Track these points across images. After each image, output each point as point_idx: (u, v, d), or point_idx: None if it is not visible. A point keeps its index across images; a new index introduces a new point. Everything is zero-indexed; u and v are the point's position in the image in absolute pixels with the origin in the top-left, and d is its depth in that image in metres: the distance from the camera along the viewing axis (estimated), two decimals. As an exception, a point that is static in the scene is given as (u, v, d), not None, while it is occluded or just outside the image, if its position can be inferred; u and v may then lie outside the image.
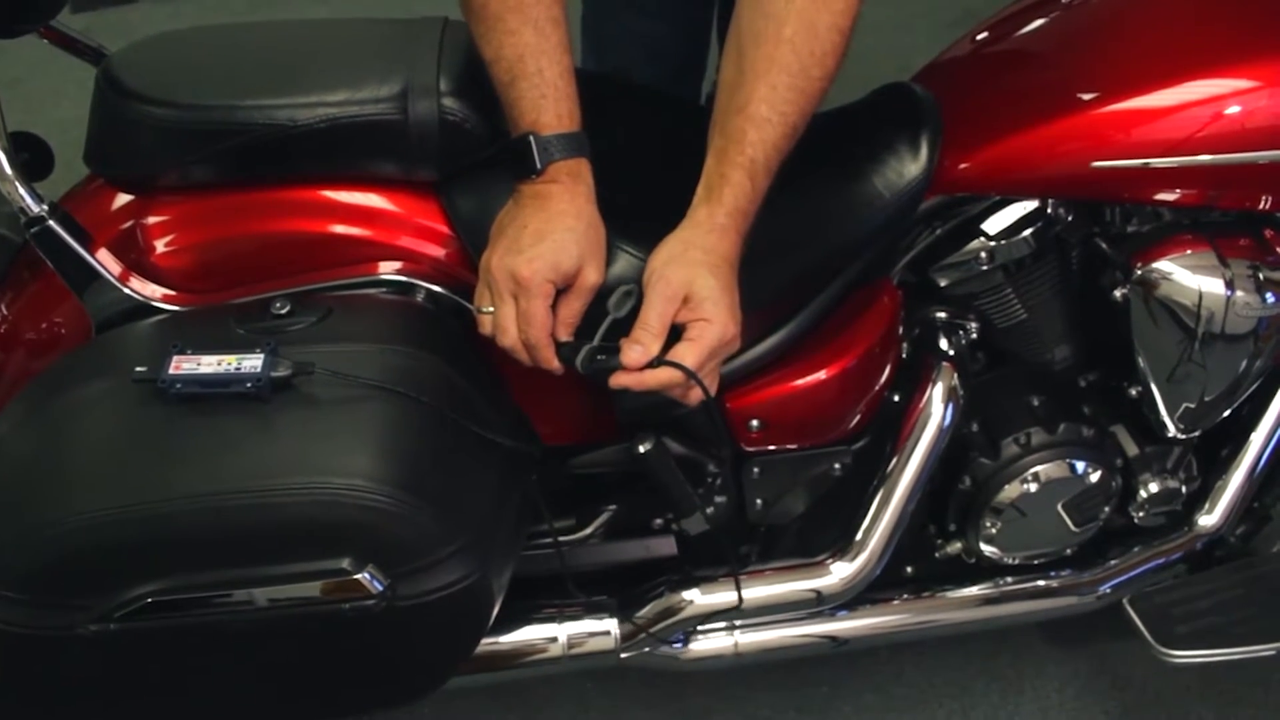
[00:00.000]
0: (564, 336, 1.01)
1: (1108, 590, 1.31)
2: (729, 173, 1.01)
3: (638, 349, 0.98)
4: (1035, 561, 1.32)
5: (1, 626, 0.96)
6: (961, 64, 1.29)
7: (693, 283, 0.98)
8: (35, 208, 1.05)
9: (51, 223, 1.06)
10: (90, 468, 0.94)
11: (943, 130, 1.16)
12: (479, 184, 1.10)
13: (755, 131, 1.01)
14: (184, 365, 0.96)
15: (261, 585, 0.96)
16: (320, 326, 1.02)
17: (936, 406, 1.23)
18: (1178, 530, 1.32)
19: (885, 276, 1.22)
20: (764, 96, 1.01)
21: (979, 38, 1.31)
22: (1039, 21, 1.28)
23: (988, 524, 1.27)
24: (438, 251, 1.12)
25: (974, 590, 1.32)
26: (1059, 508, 1.27)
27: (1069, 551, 1.32)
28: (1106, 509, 1.27)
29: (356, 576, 0.95)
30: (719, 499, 1.21)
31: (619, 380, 0.98)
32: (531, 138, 1.00)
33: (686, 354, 0.97)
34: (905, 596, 1.31)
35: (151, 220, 1.11)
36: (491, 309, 1.01)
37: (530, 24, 1.01)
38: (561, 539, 1.22)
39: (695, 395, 1.00)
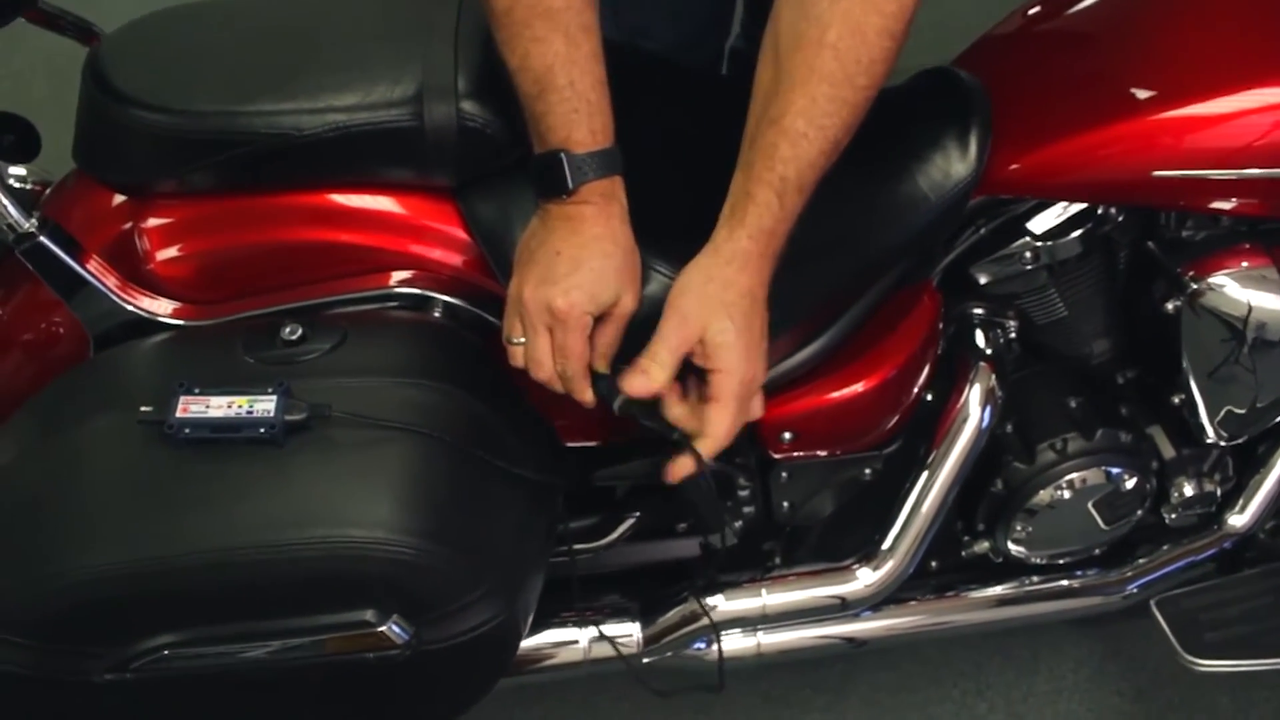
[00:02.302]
0: (600, 367, 0.92)
1: (1134, 590, 1.25)
2: (755, 191, 0.90)
3: (641, 379, 0.90)
4: (1062, 560, 1.27)
5: (10, 669, 0.89)
6: (1008, 47, 1.17)
7: (708, 326, 0.89)
8: (24, 223, 0.95)
9: (43, 239, 0.96)
10: (100, 517, 0.86)
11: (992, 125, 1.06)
12: (501, 189, 0.99)
13: (789, 147, 0.89)
14: (192, 407, 0.86)
15: (282, 637, 0.89)
16: (334, 356, 0.93)
17: (974, 409, 1.15)
18: (1207, 529, 1.26)
19: (926, 279, 1.13)
20: (801, 109, 0.89)
21: (1030, 13, 1.19)
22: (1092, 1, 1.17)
23: (1018, 527, 1.20)
24: (455, 259, 1.01)
25: (998, 590, 1.26)
26: (1090, 506, 1.21)
27: (1097, 550, 1.27)
28: (1139, 512, 1.21)
29: (381, 629, 0.88)
30: (747, 510, 1.15)
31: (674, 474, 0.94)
32: (563, 156, 0.88)
33: (717, 419, 0.91)
34: (929, 596, 1.25)
35: (148, 225, 1.00)
36: (523, 340, 0.92)
37: (560, 31, 0.88)
38: (583, 546, 1.15)
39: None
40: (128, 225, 1.01)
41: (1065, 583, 1.26)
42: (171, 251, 1.01)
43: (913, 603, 1.24)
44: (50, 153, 1.09)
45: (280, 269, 1.02)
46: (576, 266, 0.89)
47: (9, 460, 0.91)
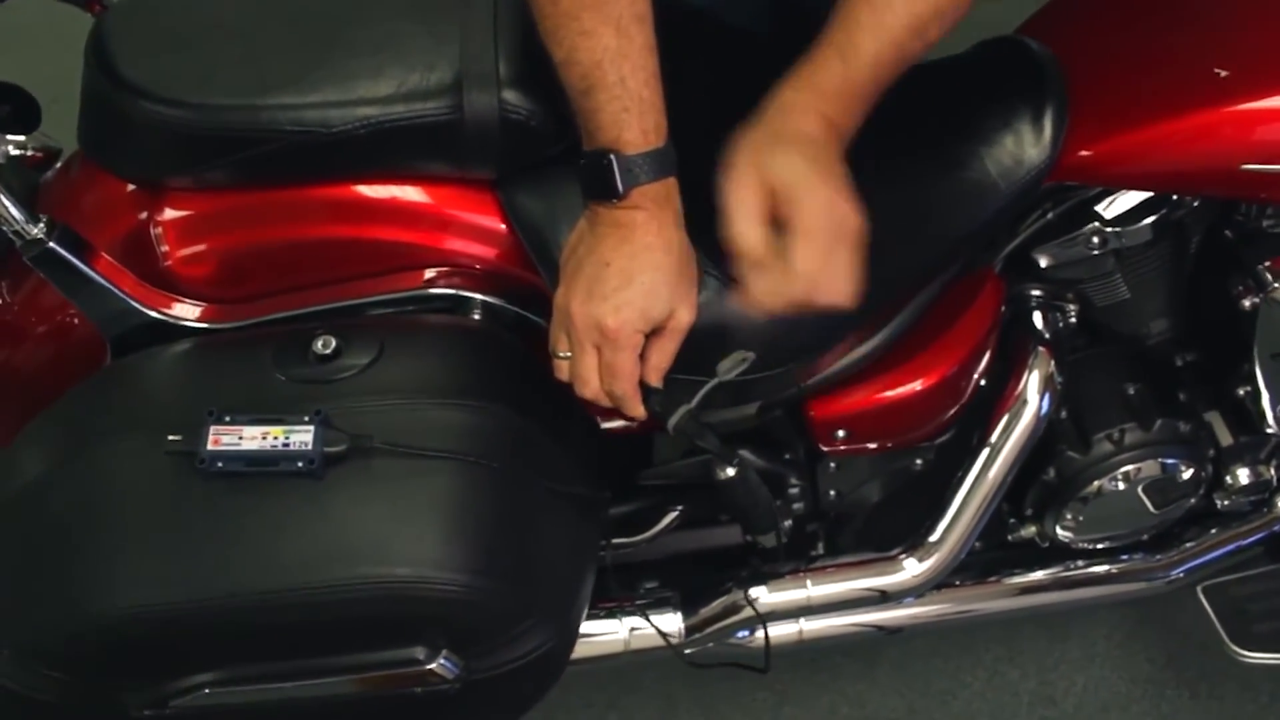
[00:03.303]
0: (655, 383, 0.84)
1: (1180, 574, 1.20)
2: (817, 52, 0.82)
3: (740, 241, 0.77)
4: (1108, 544, 1.21)
5: (45, 698, 0.84)
6: (1079, 14, 1.05)
7: (770, 165, 0.77)
8: (32, 230, 0.85)
9: (53, 244, 0.86)
10: (136, 554, 0.79)
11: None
12: (546, 182, 0.90)
13: (869, 13, 0.81)
14: (224, 439, 0.79)
15: (327, 675, 0.83)
16: (371, 373, 0.84)
17: (1032, 396, 1.07)
18: (1257, 513, 1.20)
19: (987, 265, 1.05)
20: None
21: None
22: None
23: (1069, 515, 1.14)
24: (494, 254, 0.93)
25: (1043, 574, 1.20)
26: (1140, 492, 1.15)
27: (1144, 535, 1.22)
28: (1192, 500, 1.16)
29: (431, 666, 0.83)
30: (796, 507, 1.08)
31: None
32: (613, 158, 0.78)
33: (805, 254, 0.76)
34: (971, 581, 1.20)
35: (164, 218, 0.91)
36: (569, 355, 0.85)
37: (611, 23, 0.78)
38: (623, 540, 1.09)
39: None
40: (141, 217, 0.91)
41: (1110, 567, 1.20)
42: (189, 248, 0.92)
43: (956, 588, 1.19)
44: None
45: (306, 267, 0.93)
46: (627, 281, 0.80)
47: (34, 478, 0.83)
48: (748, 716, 1.35)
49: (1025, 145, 0.95)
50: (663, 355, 0.84)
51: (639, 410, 0.85)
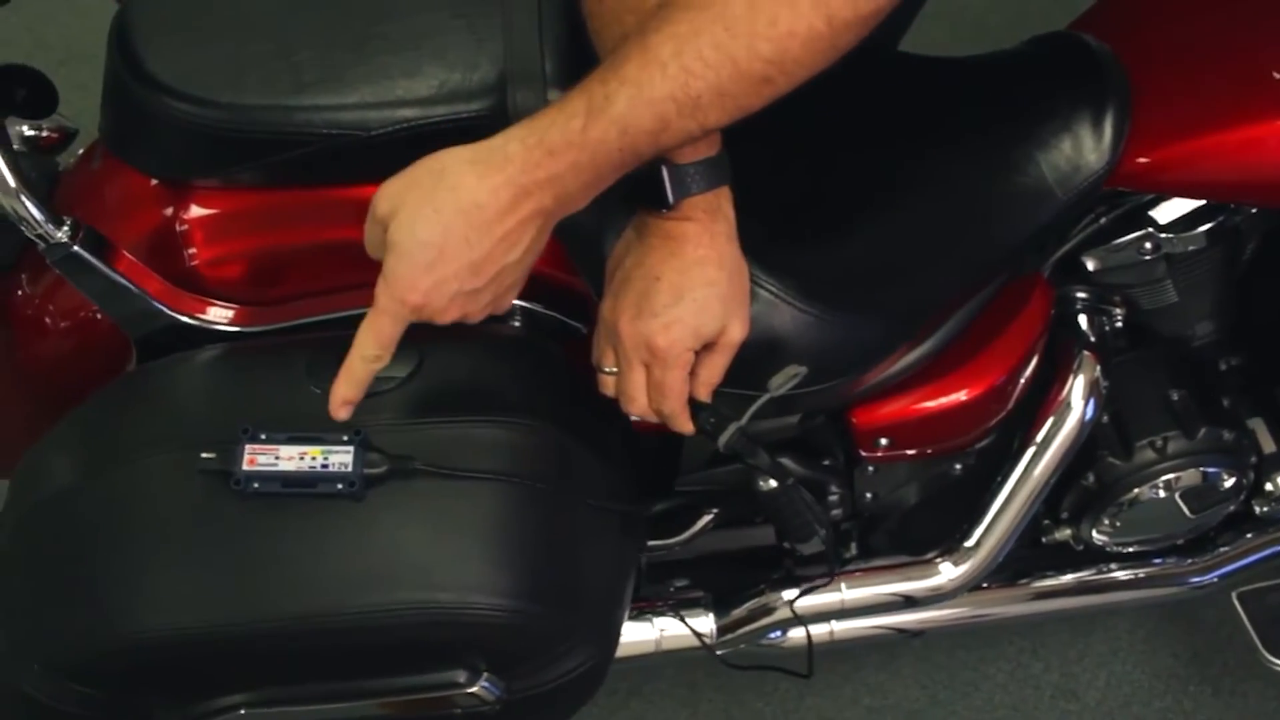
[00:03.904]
0: (704, 398, 0.79)
1: (1214, 579, 1.17)
2: (571, 93, 0.69)
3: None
4: (1142, 548, 1.18)
5: (74, 711, 0.81)
6: (1137, 8, 1.00)
7: (386, 205, 0.69)
8: (56, 233, 0.80)
9: (77, 248, 0.82)
10: (170, 575, 0.75)
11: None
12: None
13: (637, 68, 0.67)
14: (259, 459, 0.75)
15: (365, 697, 0.80)
16: (411, 388, 0.80)
17: (1076, 402, 1.03)
18: (1295, 518, 1.18)
19: (1036, 271, 1.00)
20: (679, 35, 0.67)
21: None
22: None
23: (1106, 520, 1.11)
24: (533, 257, 0.89)
25: (1074, 577, 1.18)
26: (1178, 498, 1.12)
27: (1179, 540, 1.19)
28: (1231, 507, 1.13)
29: (473, 690, 0.80)
30: (835, 513, 1.05)
31: None
32: (663, 168, 0.73)
33: (366, 325, 0.72)
34: (1003, 583, 1.17)
35: (191, 217, 0.86)
36: (615, 370, 0.81)
37: None
38: (657, 543, 1.06)
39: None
40: (166, 214, 0.87)
41: (1143, 571, 1.18)
42: (216, 248, 0.87)
43: (984, 590, 1.16)
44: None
45: (338, 270, 0.87)
46: (678, 297, 0.75)
47: (65, 488, 0.80)
48: (770, 705, 1.34)
49: (1084, 150, 0.91)
50: (713, 371, 0.80)
51: (688, 428, 0.81)
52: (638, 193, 0.76)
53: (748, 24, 0.68)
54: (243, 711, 0.79)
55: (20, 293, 0.93)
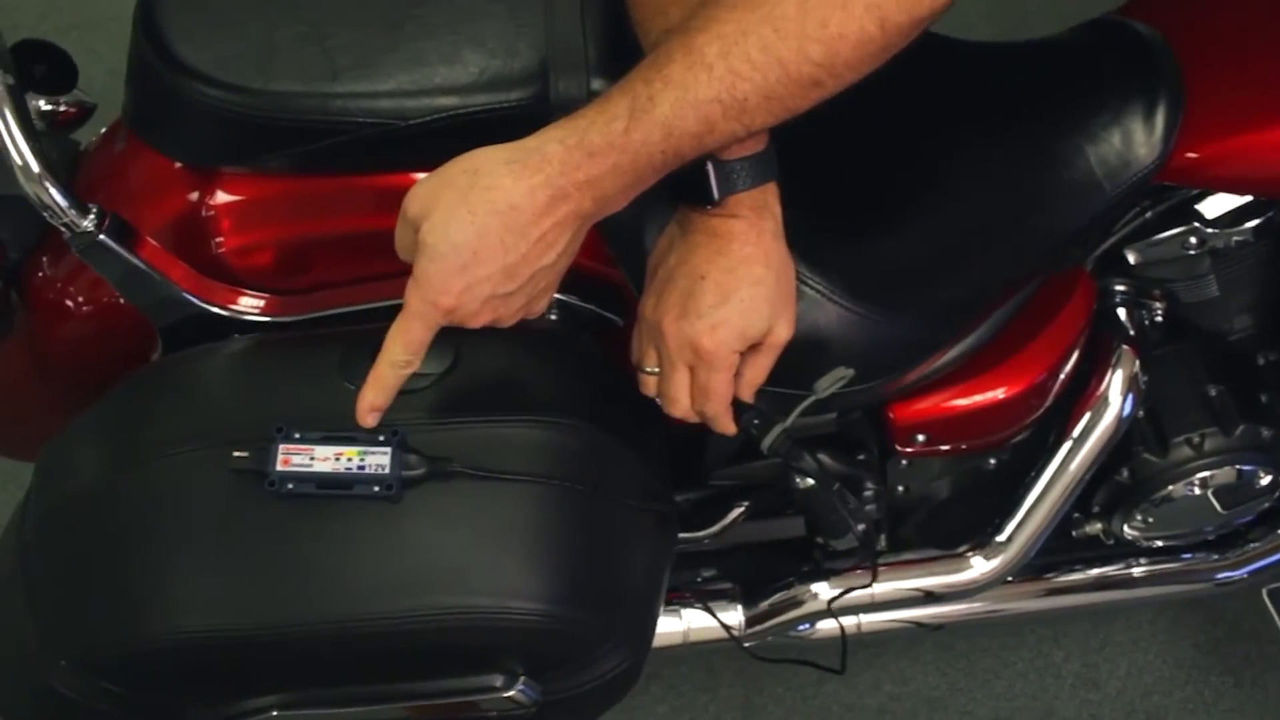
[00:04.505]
0: (747, 398, 0.77)
1: (1244, 575, 1.15)
2: (613, 94, 0.66)
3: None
4: (1171, 543, 1.16)
5: (104, 708, 0.79)
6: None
7: (418, 207, 0.67)
8: (82, 222, 0.77)
9: (103, 237, 0.78)
10: (202, 576, 0.73)
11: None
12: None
13: (681, 69, 0.64)
14: (294, 459, 0.72)
15: (399, 700, 0.78)
16: (447, 386, 0.77)
17: (1114, 397, 1.01)
18: (1327, 514, 1.16)
19: (1079, 265, 0.97)
20: (725, 35, 0.64)
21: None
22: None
23: (1139, 516, 1.09)
24: (570, 249, 0.86)
25: (1103, 571, 1.16)
26: (1211, 494, 1.10)
27: (1209, 535, 1.17)
28: (1266, 504, 1.10)
29: (510, 694, 0.78)
30: (869, 508, 1.03)
31: None
32: (709, 164, 0.70)
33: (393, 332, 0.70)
34: (1031, 576, 1.15)
35: (218, 202, 0.82)
36: (657, 370, 0.78)
37: None
38: (687, 535, 1.03)
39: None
40: (192, 199, 0.83)
41: (1173, 566, 1.16)
42: (244, 235, 0.84)
43: (1014, 584, 1.14)
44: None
45: (369, 259, 0.84)
46: (724, 297, 0.72)
47: (92, 483, 0.77)
48: (790, 691, 1.32)
49: (1134, 144, 0.87)
50: (757, 372, 0.77)
51: (731, 429, 0.78)
52: (682, 188, 0.73)
53: (797, 25, 0.65)
54: (275, 713, 0.77)
55: (41, 275, 0.90)
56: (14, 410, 1.03)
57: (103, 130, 0.93)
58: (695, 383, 0.75)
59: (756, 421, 0.79)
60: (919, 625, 1.17)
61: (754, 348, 0.75)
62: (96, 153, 0.89)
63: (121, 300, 0.89)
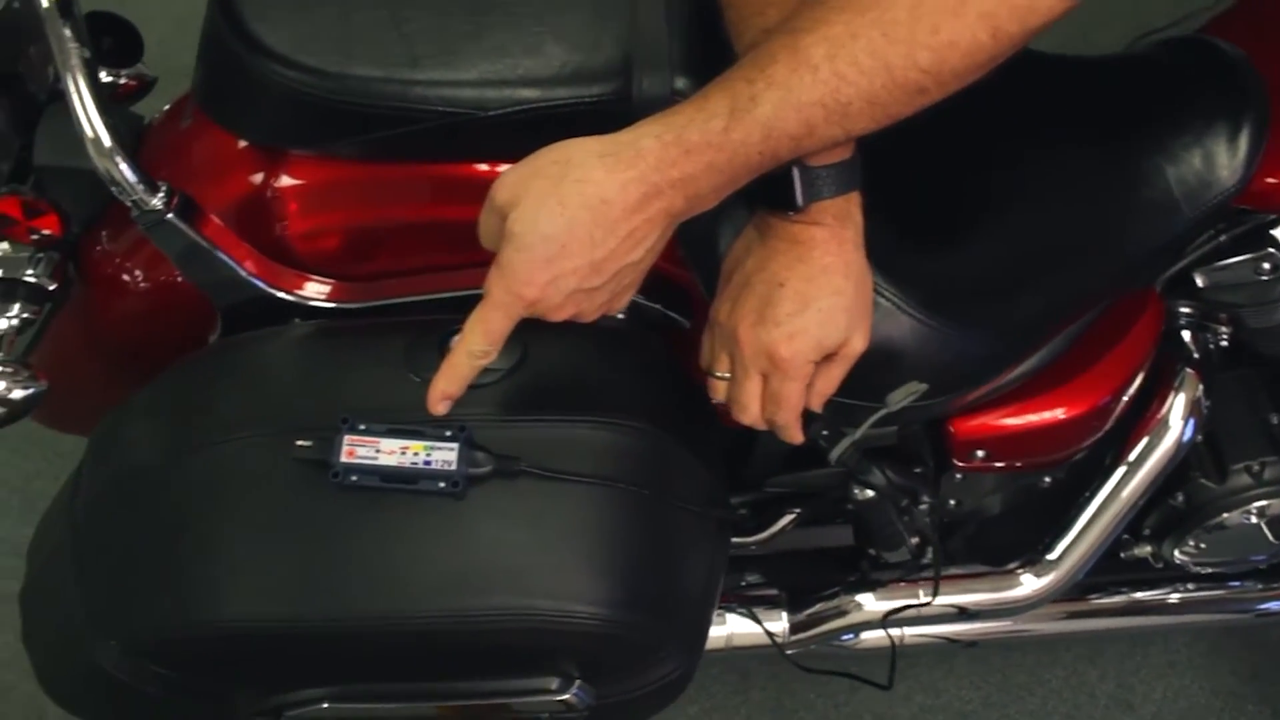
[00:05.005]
0: (817, 408, 0.75)
1: (1294, 604, 1.14)
2: (711, 92, 0.64)
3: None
4: (1221, 569, 1.14)
5: (152, 691, 0.78)
6: (1271, 19, 0.93)
7: (507, 194, 0.65)
8: (151, 200, 0.75)
9: (171, 216, 0.77)
10: (260, 565, 0.71)
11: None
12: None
13: (786, 70, 0.62)
14: (359, 451, 0.70)
15: (452, 699, 0.77)
16: (514, 383, 0.75)
17: (1174, 421, 0.99)
18: (1381, 547, 1.13)
19: (1149, 287, 0.95)
20: (833, 37, 0.62)
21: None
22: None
23: (1191, 541, 1.07)
24: (639, 248, 0.84)
25: (1147, 595, 1.14)
26: (1265, 524, 1.08)
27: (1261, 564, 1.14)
28: (1323, 533, 1.08)
29: (564, 697, 0.76)
30: (923, 521, 1.01)
31: None
32: (795, 169, 0.68)
33: (475, 318, 0.68)
34: (1074, 597, 1.13)
35: (286, 185, 0.81)
36: (728, 376, 0.76)
37: None
38: (738, 540, 1.02)
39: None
40: (260, 180, 0.81)
41: (1217, 594, 1.14)
42: (310, 219, 0.82)
43: (1065, 603, 1.12)
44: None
45: (437, 249, 0.83)
46: (803, 306, 0.70)
47: (149, 463, 0.76)
48: (822, 698, 1.31)
49: (1216, 166, 0.85)
50: (829, 382, 0.75)
51: (799, 438, 0.76)
52: (764, 193, 0.71)
53: (908, 30, 0.63)
54: (325, 705, 0.76)
55: (99, 249, 0.88)
56: (65, 383, 1.02)
57: (165, 107, 0.92)
58: (767, 390, 0.73)
59: (825, 432, 0.77)
60: (950, 640, 1.15)
61: (828, 358, 0.73)
62: (161, 127, 0.88)
63: (179, 279, 0.88)
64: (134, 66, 0.94)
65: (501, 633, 0.71)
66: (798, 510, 1.01)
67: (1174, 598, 1.14)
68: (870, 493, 0.88)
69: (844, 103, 0.63)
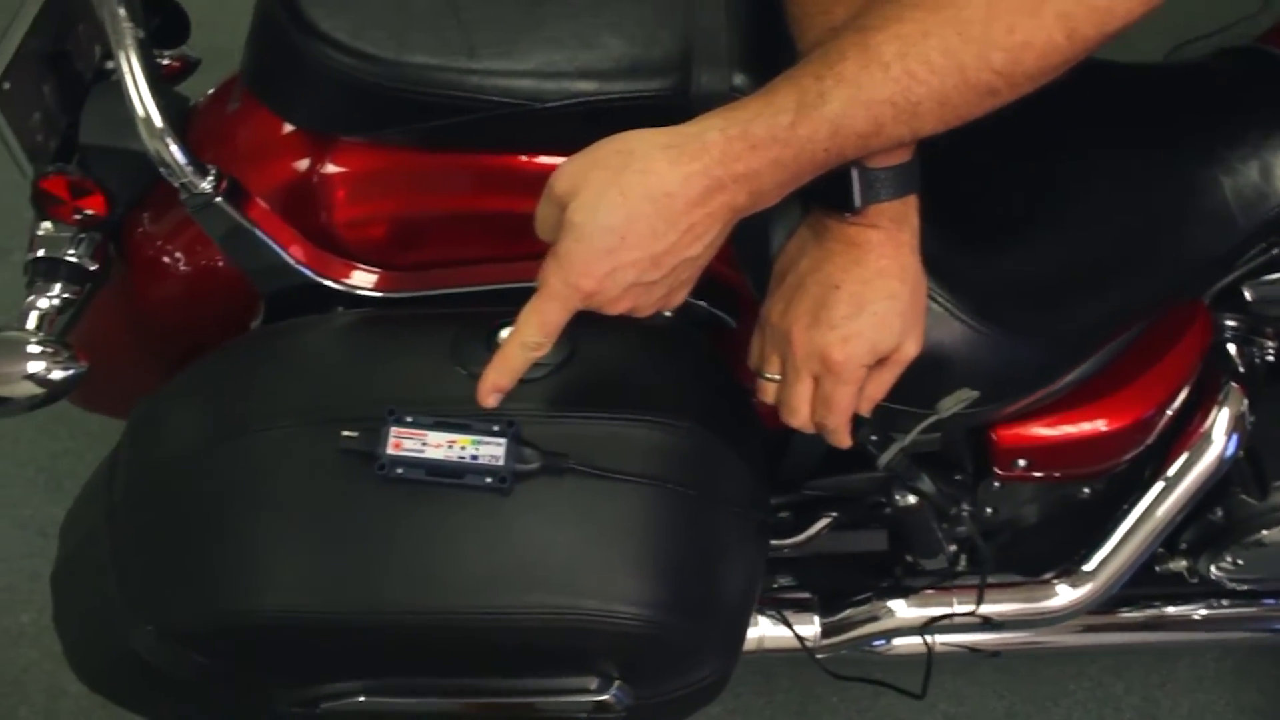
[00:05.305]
0: (866, 412, 0.74)
1: (1331, 623, 1.12)
2: (779, 84, 0.63)
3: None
4: (1258, 586, 1.12)
5: (188, 677, 0.77)
6: None
7: (567, 183, 0.64)
8: (200, 183, 0.75)
9: (220, 200, 0.76)
10: (302, 556, 0.70)
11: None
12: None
13: (856, 67, 0.61)
14: (405, 443, 0.69)
15: (491, 696, 0.76)
16: (562, 379, 0.74)
17: (1218, 436, 0.97)
18: None
19: (1198, 299, 0.94)
20: (904, 35, 0.61)
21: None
22: None
23: (1229, 557, 1.05)
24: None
25: (1177, 610, 1.12)
26: (1305, 539, 1.06)
27: (1300, 580, 1.12)
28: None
29: (604, 698, 0.75)
30: (961, 530, 0.99)
31: None
32: (854, 170, 0.67)
33: (531, 307, 0.66)
34: (1103, 610, 1.10)
35: (333, 171, 0.79)
36: (778, 378, 0.75)
37: None
38: (776, 542, 1.00)
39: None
40: (307, 166, 0.80)
41: (1249, 611, 1.12)
42: (358, 207, 0.81)
43: (1094, 615, 1.11)
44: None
45: (483, 240, 0.82)
46: (858, 309, 0.69)
47: (190, 448, 0.75)
48: (845, 702, 1.30)
49: (1273, 178, 0.83)
50: (879, 387, 0.73)
51: (848, 442, 0.75)
52: (821, 193, 0.70)
53: (983, 30, 0.61)
54: (362, 698, 0.75)
55: (141, 231, 0.88)
56: (101, 364, 1.01)
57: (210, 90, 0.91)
58: (818, 394, 0.72)
59: (874, 437, 0.76)
60: (972, 650, 1.14)
61: (880, 362, 0.72)
62: (207, 110, 0.87)
63: (221, 263, 0.87)
64: (178, 48, 0.94)
65: (544, 631, 0.70)
66: (834, 514, 1.00)
67: (1204, 613, 1.12)
68: (912, 499, 0.87)
69: (914, 102, 0.62)
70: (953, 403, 0.75)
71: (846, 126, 0.63)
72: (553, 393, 0.73)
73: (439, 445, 0.69)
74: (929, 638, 1.07)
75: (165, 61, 0.94)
